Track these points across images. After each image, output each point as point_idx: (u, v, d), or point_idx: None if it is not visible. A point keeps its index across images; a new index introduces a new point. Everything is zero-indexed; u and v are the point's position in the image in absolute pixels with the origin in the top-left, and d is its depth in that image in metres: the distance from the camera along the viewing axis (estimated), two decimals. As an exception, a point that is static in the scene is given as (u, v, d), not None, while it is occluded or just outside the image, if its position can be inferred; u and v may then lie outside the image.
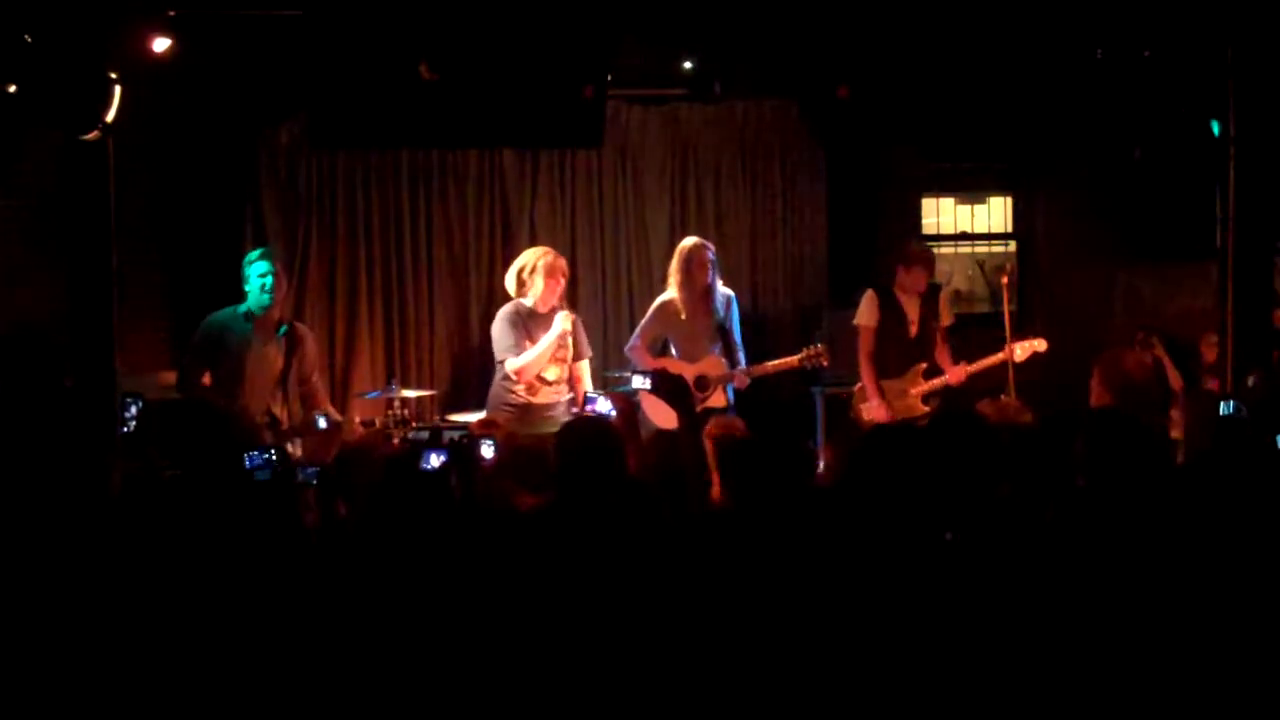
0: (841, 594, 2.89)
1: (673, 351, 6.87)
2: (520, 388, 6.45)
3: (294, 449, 5.87)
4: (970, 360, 6.82)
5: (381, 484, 3.47)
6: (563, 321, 6.40)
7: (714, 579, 3.03)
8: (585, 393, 6.60)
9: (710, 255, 6.78)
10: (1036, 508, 3.44)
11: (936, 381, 6.78)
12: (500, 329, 6.53)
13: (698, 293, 6.75)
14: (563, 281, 6.55)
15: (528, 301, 6.51)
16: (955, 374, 6.74)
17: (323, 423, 5.67)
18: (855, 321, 6.94)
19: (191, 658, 2.90)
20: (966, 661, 2.77)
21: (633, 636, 2.88)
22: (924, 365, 6.83)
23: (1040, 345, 6.75)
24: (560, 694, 2.84)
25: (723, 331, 6.78)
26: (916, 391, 6.77)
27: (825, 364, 6.80)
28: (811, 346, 6.76)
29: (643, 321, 6.96)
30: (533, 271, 6.49)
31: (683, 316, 6.78)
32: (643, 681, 2.82)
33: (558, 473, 3.76)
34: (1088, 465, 3.50)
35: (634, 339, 6.92)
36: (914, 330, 6.87)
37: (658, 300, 6.95)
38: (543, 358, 6.41)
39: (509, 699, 2.85)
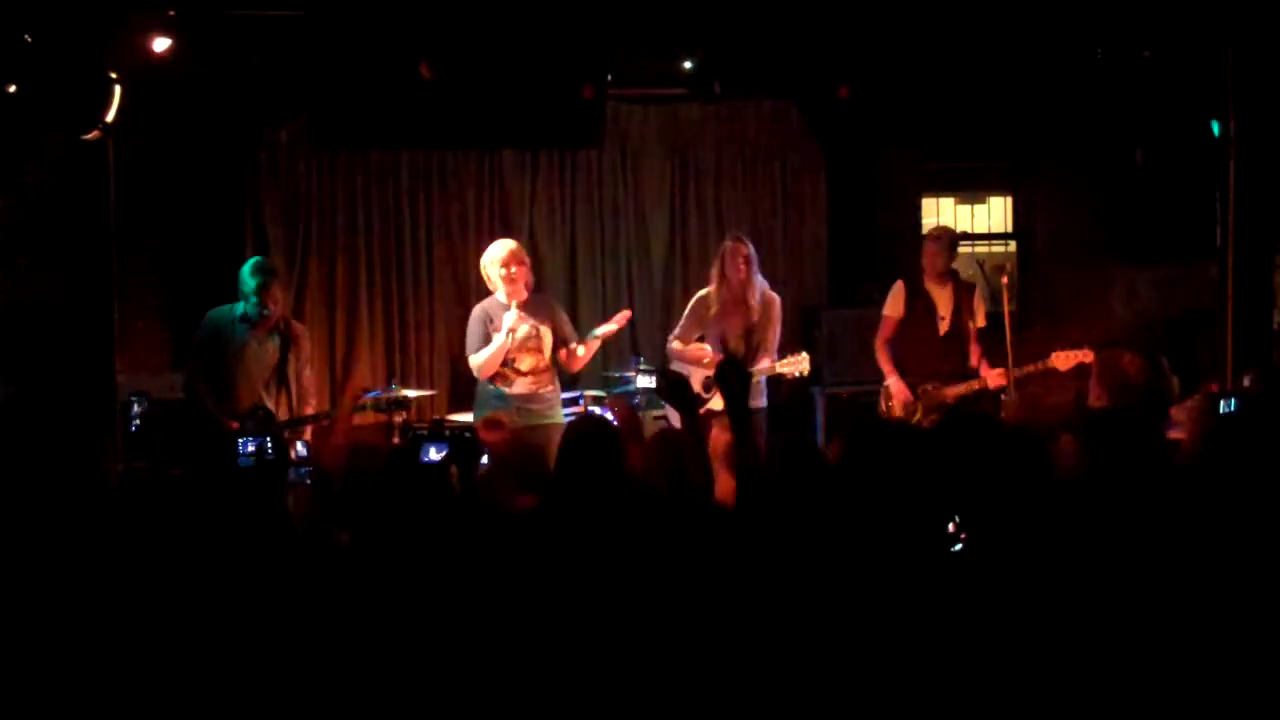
0: (841, 591, 2.89)
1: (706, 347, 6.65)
2: (496, 382, 6.40)
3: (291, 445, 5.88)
4: (1005, 364, 6.51)
5: (381, 477, 3.46)
6: (509, 318, 6.28)
7: (713, 579, 3.03)
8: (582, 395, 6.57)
9: (746, 252, 6.56)
10: (1037, 506, 3.44)
11: (975, 384, 6.56)
12: (469, 326, 6.45)
13: (733, 291, 6.56)
14: (517, 269, 6.33)
15: (501, 296, 6.44)
16: (994, 378, 6.52)
17: (302, 449, 5.65)
18: (883, 311, 6.84)
19: (182, 655, 2.90)
20: (967, 661, 2.77)
21: (627, 637, 2.88)
22: (956, 366, 6.64)
23: (1086, 357, 6.37)
24: (556, 694, 2.84)
25: (750, 334, 6.60)
26: (952, 393, 6.57)
27: (804, 374, 6.60)
28: (794, 355, 6.59)
29: (682, 319, 6.76)
30: (490, 266, 6.42)
31: (713, 312, 6.65)
32: (639, 683, 2.82)
33: (555, 472, 3.75)
34: (1088, 465, 3.50)
35: (673, 339, 6.72)
36: (945, 326, 6.68)
37: (696, 295, 6.78)
38: (496, 357, 6.28)
39: (503, 699, 2.85)
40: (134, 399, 5.93)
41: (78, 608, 3.02)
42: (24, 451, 3.72)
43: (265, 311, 6.11)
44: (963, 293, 6.78)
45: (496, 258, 6.38)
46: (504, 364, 6.33)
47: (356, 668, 2.87)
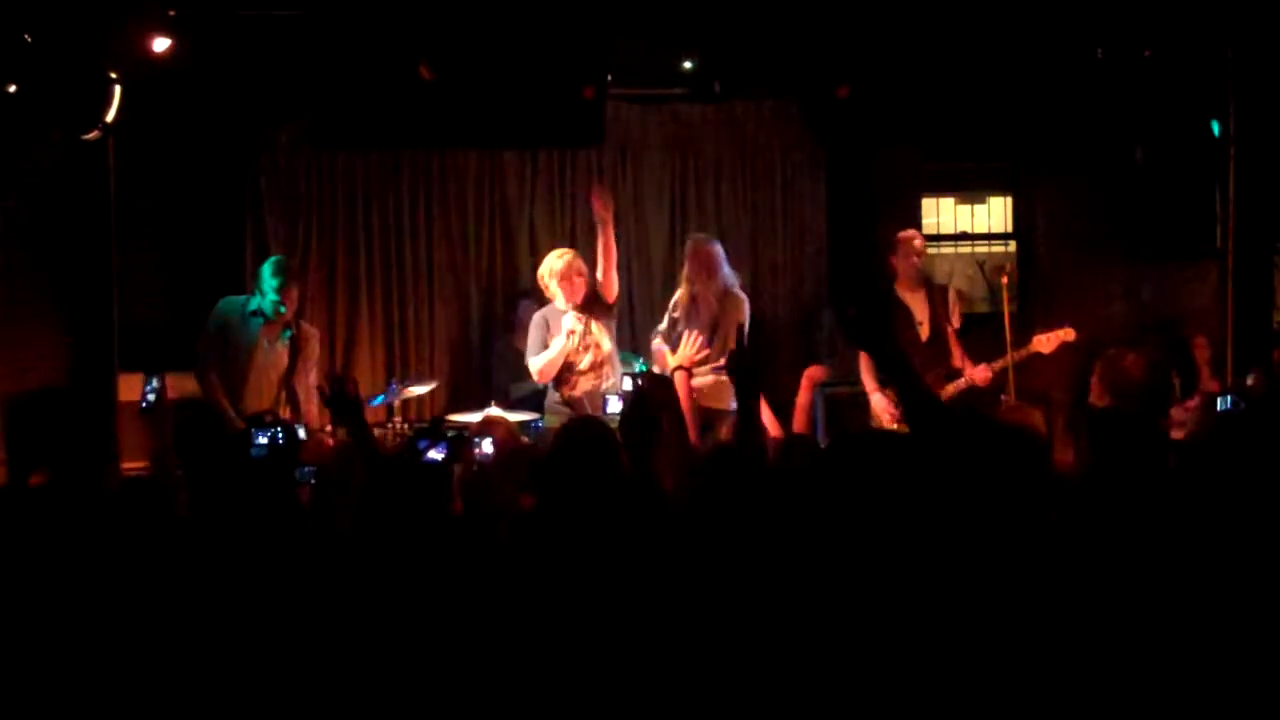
0: (840, 592, 2.88)
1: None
2: (563, 389, 6.45)
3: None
4: (991, 360, 6.57)
5: (378, 478, 3.47)
6: (569, 323, 6.39)
7: (707, 580, 3.02)
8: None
9: (708, 248, 6.59)
10: (1038, 509, 3.44)
11: (961, 383, 6.57)
12: (529, 333, 6.56)
13: (701, 289, 6.58)
14: (577, 280, 6.41)
15: (559, 304, 6.50)
16: (979, 373, 6.53)
17: (301, 433, 5.69)
18: None
19: (185, 655, 2.90)
20: (965, 663, 2.77)
21: (618, 639, 2.88)
22: (942, 369, 6.63)
23: (1069, 334, 6.46)
24: (555, 696, 2.84)
25: (715, 329, 6.52)
26: (943, 397, 6.46)
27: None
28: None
29: (664, 320, 6.76)
30: (550, 278, 6.46)
31: (682, 309, 6.62)
32: (634, 685, 2.81)
33: (543, 474, 3.73)
34: (1088, 466, 3.49)
35: (656, 342, 6.70)
36: (925, 331, 6.69)
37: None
38: (555, 361, 6.39)
39: (503, 700, 2.85)
40: (148, 379, 6.02)
41: (77, 608, 3.02)
42: (24, 452, 3.72)
43: (282, 309, 6.14)
44: (937, 296, 6.78)
45: (559, 269, 6.40)
46: (566, 368, 6.39)
47: (356, 669, 2.87)
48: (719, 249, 6.69)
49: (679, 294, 6.73)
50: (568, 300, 6.43)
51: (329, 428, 6.66)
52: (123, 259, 6.79)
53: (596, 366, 6.46)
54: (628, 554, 3.10)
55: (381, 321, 8.12)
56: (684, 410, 4.67)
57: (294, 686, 2.87)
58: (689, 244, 6.78)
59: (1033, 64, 7.50)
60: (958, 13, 7.14)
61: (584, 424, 3.96)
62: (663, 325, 6.75)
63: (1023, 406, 4.95)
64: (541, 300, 6.70)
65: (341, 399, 3.84)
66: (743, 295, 6.72)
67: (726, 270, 6.67)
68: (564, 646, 2.88)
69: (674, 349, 6.45)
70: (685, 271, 6.69)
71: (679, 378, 5.30)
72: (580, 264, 6.51)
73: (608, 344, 6.49)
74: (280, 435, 3.79)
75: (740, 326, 6.60)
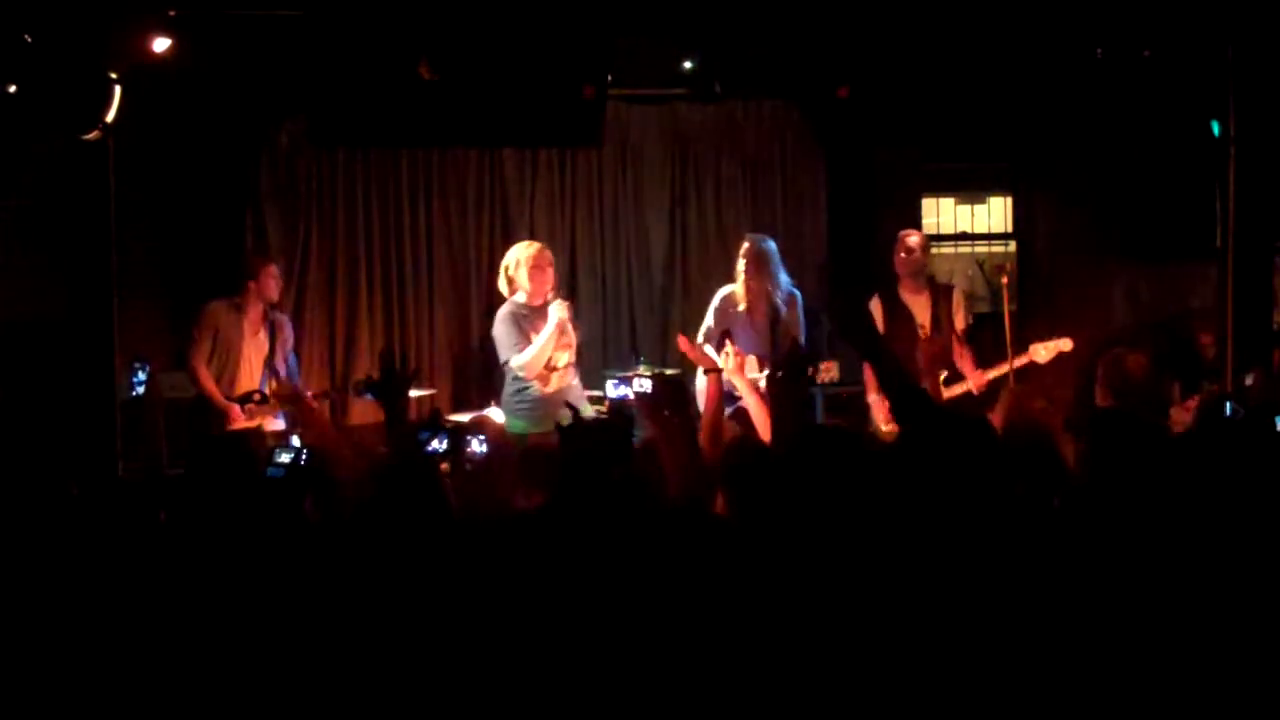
0: (848, 597, 2.88)
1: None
2: (533, 384, 6.46)
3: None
4: (989, 365, 6.59)
5: (379, 472, 3.47)
6: (558, 310, 6.43)
7: (712, 584, 3.02)
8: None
9: (761, 247, 6.75)
10: (1044, 506, 3.44)
11: (958, 388, 6.57)
12: (500, 330, 6.54)
13: (759, 287, 6.70)
14: (549, 271, 6.54)
15: (521, 298, 6.53)
16: (975, 380, 6.54)
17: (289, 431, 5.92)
18: None
19: (185, 655, 2.90)
20: (969, 663, 2.77)
21: (622, 641, 2.88)
22: (944, 372, 6.64)
23: (1066, 345, 6.49)
24: (555, 698, 2.84)
25: (775, 330, 6.60)
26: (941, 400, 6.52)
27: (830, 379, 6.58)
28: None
29: (705, 321, 6.83)
30: (517, 268, 6.53)
31: (740, 309, 6.71)
32: (631, 687, 2.81)
33: (560, 473, 3.75)
34: (1090, 465, 3.49)
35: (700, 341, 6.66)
36: (925, 333, 6.72)
37: (719, 292, 6.89)
38: (545, 351, 6.42)
39: (504, 701, 2.85)
40: (136, 364, 6.09)
41: (69, 609, 3.02)
42: (22, 453, 3.72)
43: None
44: (940, 298, 6.78)
45: (528, 258, 6.52)
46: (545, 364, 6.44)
47: (358, 670, 2.87)
48: (773, 248, 6.83)
49: (730, 292, 6.78)
50: (537, 292, 6.45)
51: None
52: (123, 258, 6.80)
53: (568, 367, 6.54)
54: (633, 553, 3.10)
55: (381, 320, 8.12)
56: (708, 411, 4.70)
57: (292, 688, 2.87)
58: (746, 244, 6.85)
59: (1032, 64, 7.50)
60: (957, 13, 7.14)
61: (595, 424, 3.97)
62: (708, 322, 6.78)
63: (1030, 391, 4.95)
64: None
65: (390, 378, 4.11)
66: (796, 294, 6.87)
67: (785, 272, 6.84)
68: (569, 647, 2.88)
69: (717, 348, 6.35)
70: (742, 272, 6.76)
71: (711, 379, 4.98)
72: (549, 255, 6.58)
73: (575, 348, 6.62)
74: (303, 457, 3.79)
75: (795, 328, 6.67)
